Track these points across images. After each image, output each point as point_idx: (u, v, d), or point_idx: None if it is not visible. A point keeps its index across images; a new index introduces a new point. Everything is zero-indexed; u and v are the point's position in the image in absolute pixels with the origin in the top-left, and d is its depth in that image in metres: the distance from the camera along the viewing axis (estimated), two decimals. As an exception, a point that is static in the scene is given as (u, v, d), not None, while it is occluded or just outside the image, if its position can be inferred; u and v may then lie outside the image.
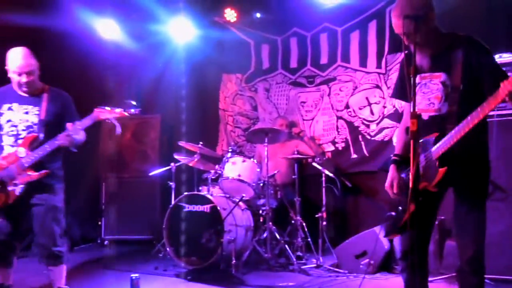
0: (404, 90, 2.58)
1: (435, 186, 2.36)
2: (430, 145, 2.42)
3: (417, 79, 2.53)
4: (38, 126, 3.34)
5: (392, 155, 2.71)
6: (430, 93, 2.50)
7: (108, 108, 3.45)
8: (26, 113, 3.36)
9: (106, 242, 6.32)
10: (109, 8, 6.19)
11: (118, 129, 3.60)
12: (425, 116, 2.50)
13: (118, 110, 3.51)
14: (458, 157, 2.34)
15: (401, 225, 2.52)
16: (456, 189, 2.51)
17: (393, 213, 2.64)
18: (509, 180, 3.80)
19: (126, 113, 3.57)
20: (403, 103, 2.79)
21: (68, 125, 3.31)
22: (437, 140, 2.39)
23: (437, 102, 2.46)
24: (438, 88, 2.46)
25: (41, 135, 3.32)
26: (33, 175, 3.27)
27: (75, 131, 3.32)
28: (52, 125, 3.37)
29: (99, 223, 6.43)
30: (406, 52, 2.44)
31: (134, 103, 3.78)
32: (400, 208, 2.57)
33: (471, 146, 2.38)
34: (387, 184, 2.64)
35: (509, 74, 2.33)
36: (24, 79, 3.30)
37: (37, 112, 3.36)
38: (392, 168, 2.64)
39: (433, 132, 2.41)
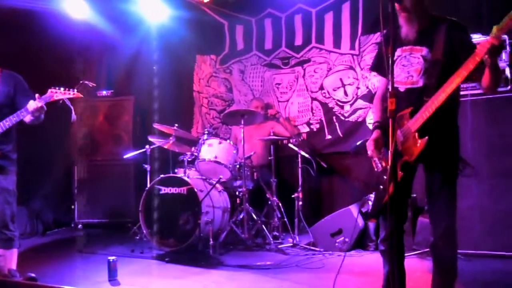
0: (382, 64, 2.64)
1: (416, 158, 2.40)
2: (405, 120, 2.47)
3: (398, 52, 2.60)
4: None
5: (374, 122, 2.75)
6: (410, 66, 2.56)
7: (62, 89, 3.38)
8: None
9: (79, 226, 6.23)
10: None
11: (74, 116, 3.55)
12: (401, 88, 2.57)
13: (72, 91, 3.43)
14: (433, 130, 2.39)
15: (381, 208, 2.56)
16: (428, 165, 2.57)
17: (370, 196, 2.68)
18: (476, 156, 3.94)
19: (80, 94, 3.48)
20: (377, 83, 2.84)
21: (30, 102, 3.26)
22: (412, 114, 2.44)
23: (416, 74, 2.52)
24: (419, 62, 2.52)
25: None
26: None
27: (34, 109, 3.26)
28: (4, 107, 3.34)
29: (72, 207, 6.33)
30: (387, 30, 2.49)
31: (91, 84, 3.68)
32: (381, 187, 2.59)
33: (442, 122, 2.46)
34: (370, 139, 2.65)
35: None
36: None
37: None
38: (376, 131, 2.67)
39: (408, 105, 2.46)
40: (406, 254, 3.97)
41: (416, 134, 2.40)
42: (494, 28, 2.15)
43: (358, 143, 2.84)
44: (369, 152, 2.66)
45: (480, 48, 2.18)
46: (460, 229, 3.72)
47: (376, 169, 2.66)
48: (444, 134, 2.48)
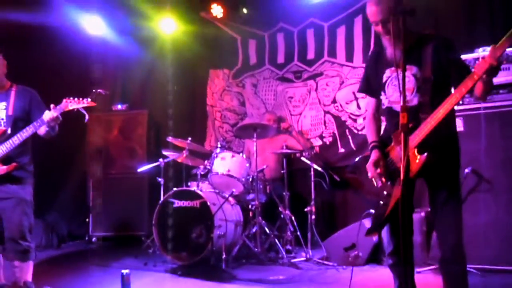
0: (370, 85, 2.75)
1: (415, 174, 2.39)
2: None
3: (387, 73, 2.63)
4: (6, 121, 3.36)
5: (371, 142, 2.73)
6: None
7: (76, 99, 3.43)
8: None
9: (94, 239, 6.28)
10: (95, 4, 6.14)
11: (87, 117, 3.59)
12: (397, 107, 2.58)
13: (86, 100, 3.46)
14: (433, 146, 2.39)
15: (382, 221, 2.55)
16: (430, 180, 2.57)
17: (372, 211, 2.67)
18: (492, 170, 3.89)
19: (94, 103, 3.52)
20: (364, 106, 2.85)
21: (46, 112, 3.30)
22: (411, 130, 2.42)
23: (409, 93, 2.52)
24: (410, 80, 2.52)
25: (9, 130, 3.34)
26: (2, 168, 3.27)
27: (50, 119, 3.29)
28: (19, 120, 3.39)
29: (87, 220, 6.39)
30: (376, 48, 2.52)
31: (104, 92, 3.74)
32: (381, 202, 2.58)
33: (444, 136, 2.46)
34: (370, 163, 2.63)
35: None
36: None
37: (4, 107, 3.38)
38: (375, 152, 2.65)
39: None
40: (421, 269, 3.99)
41: (415, 150, 2.39)
42: (492, 48, 2.18)
43: (356, 159, 2.82)
44: (369, 175, 2.65)
45: (479, 68, 2.22)
46: (476, 244, 3.69)
47: (376, 185, 2.65)
48: (444, 148, 2.48)
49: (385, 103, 2.66)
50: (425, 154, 2.35)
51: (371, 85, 2.77)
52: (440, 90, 2.41)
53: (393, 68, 2.58)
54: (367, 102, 2.93)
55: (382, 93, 2.66)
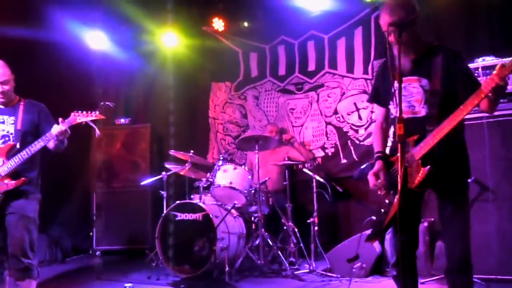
0: (379, 95, 2.77)
1: (418, 185, 2.40)
2: (409, 147, 2.48)
3: (397, 83, 2.62)
4: (14, 135, 3.35)
5: (375, 153, 2.75)
6: (410, 96, 2.58)
7: (84, 112, 3.44)
8: (2, 122, 3.36)
9: (98, 253, 6.28)
10: (98, 20, 6.22)
11: (97, 132, 3.59)
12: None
13: (94, 113, 3.47)
14: (439, 158, 2.41)
15: (382, 228, 2.55)
16: (438, 191, 2.57)
17: (374, 218, 2.68)
18: (497, 181, 3.87)
19: (102, 116, 3.52)
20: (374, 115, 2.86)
21: (54, 127, 3.31)
22: (417, 142, 2.46)
23: (417, 104, 2.55)
24: (418, 92, 2.55)
25: (18, 144, 3.32)
26: (11, 183, 3.25)
27: (59, 133, 3.29)
28: (28, 135, 3.38)
29: (90, 233, 6.39)
30: (386, 58, 2.54)
31: (111, 104, 3.75)
32: (382, 210, 2.60)
33: (451, 147, 2.47)
34: (371, 173, 2.65)
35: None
36: None
37: (12, 122, 3.37)
38: (378, 162, 2.67)
39: (411, 134, 2.47)
40: (424, 280, 3.96)
41: (420, 161, 2.40)
42: (499, 67, 2.18)
43: (363, 166, 2.83)
44: (370, 185, 2.66)
45: (486, 86, 2.22)
46: (479, 254, 3.66)
47: (379, 193, 2.66)
48: (451, 160, 2.48)
49: (393, 112, 2.68)
50: (428, 166, 2.36)
51: (380, 95, 2.79)
52: (448, 102, 2.41)
53: (403, 79, 2.60)
54: (376, 112, 2.95)
55: (391, 103, 2.68)
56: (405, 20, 2.42)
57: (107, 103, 3.66)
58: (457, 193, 2.53)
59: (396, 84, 2.61)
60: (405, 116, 2.55)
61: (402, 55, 2.50)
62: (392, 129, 2.80)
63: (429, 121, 2.45)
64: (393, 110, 2.67)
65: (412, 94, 2.57)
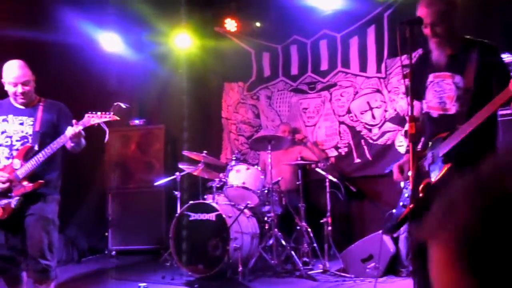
0: (415, 88, 2.67)
1: (438, 181, 2.37)
2: (439, 143, 2.47)
3: (430, 78, 2.61)
4: (32, 137, 3.31)
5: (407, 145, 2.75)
6: (442, 92, 2.55)
7: (99, 113, 3.39)
8: (21, 124, 3.33)
9: (113, 253, 6.35)
10: (111, 22, 6.28)
11: (107, 136, 3.59)
12: (434, 114, 2.58)
13: (108, 114, 3.42)
14: (465, 156, 2.36)
15: (399, 222, 2.55)
16: None
17: (394, 211, 2.68)
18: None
19: (116, 117, 3.47)
20: (404, 106, 2.84)
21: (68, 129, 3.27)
22: (444, 139, 2.45)
23: (449, 101, 2.52)
24: (451, 88, 2.52)
25: (36, 146, 3.29)
26: (28, 186, 3.22)
27: (73, 135, 3.26)
28: (47, 136, 3.34)
29: (106, 234, 6.47)
30: (424, 51, 2.56)
31: (123, 105, 3.72)
32: (401, 203, 2.60)
33: (478, 146, 2.41)
34: (395, 165, 2.65)
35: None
36: (20, 89, 3.28)
37: (31, 123, 3.34)
38: (406, 156, 2.64)
39: (441, 130, 2.46)
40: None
41: (442, 158, 2.39)
42: None
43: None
44: (394, 177, 2.65)
45: None
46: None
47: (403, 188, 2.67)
48: (478, 158, 2.44)
49: (424, 107, 2.65)
50: (449, 164, 2.35)
51: (415, 88, 2.76)
52: (480, 100, 2.37)
53: (436, 73, 2.58)
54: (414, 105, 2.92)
55: (424, 97, 2.65)
56: (442, 13, 2.40)
57: (120, 103, 3.62)
58: None
59: (430, 79, 2.60)
60: (436, 112, 2.56)
61: (438, 49, 2.49)
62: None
63: (459, 119, 2.42)
64: (424, 105, 2.64)
65: (445, 91, 2.54)
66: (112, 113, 3.43)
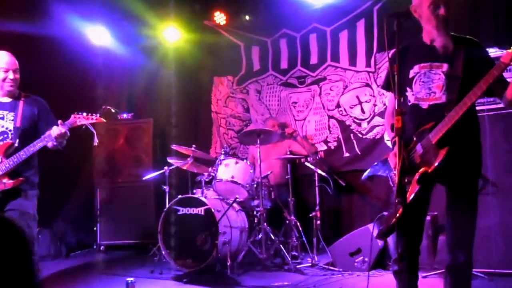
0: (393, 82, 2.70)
1: (436, 169, 2.37)
2: (426, 134, 2.47)
3: (415, 69, 2.61)
4: (13, 133, 3.30)
5: (391, 139, 2.75)
6: (430, 83, 2.56)
7: (85, 114, 3.41)
8: (2, 118, 3.32)
9: (102, 248, 6.31)
10: (99, 15, 6.21)
11: (96, 140, 3.58)
12: (424, 105, 2.57)
13: (94, 116, 3.44)
14: (452, 144, 2.38)
15: (391, 226, 2.53)
16: (448, 183, 2.56)
17: (386, 213, 2.67)
18: (499, 174, 3.85)
19: (103, 119, 3.50)
20: (387, 101, 2.83)
21: (54, 128, 3.27)
22: (433, 128, 2.45)
23: (438, 91, 2.53)
24: (440, 78, 2.53)
25: (16, 142, 3.28)
26: (8, 183, 3.21)
27: (58, 135, 3.26)
28: (27, 132, 3.33)
29: (94, 228, 6.42)
30: (404, 44, 2.57)
31: (113, 110, 3.71)
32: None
33: (462, 137, 2.45)
34: (391, 154, 2.63)
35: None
36: (11, 75, 3.30)
37: (12, 118, 3.33)
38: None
39: (431, 120, 2.46)
40: (427, 274, 3.95)
41: (436, 145, 2.39)
42: None
43: (372, 166, 2.82)
44: (392, 165, 2.64)
45: (505, 57, 2.25)
46: (482, 248, 3.65)
47: (393, 186, 2.64)
48: (464, 150, 2.46)
49: (411, 99, 2.63)
50: (446, 147, 2.35)
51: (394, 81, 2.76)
52: (467, 89, 2.39)
53: (422, 64, 2.59)
54: (388, 98, 2.93)
55: (408, 89, 2.63)
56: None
57: (108, 107, 3.62)
58: (468, 186, 2.53)
59: (416, 70, 2.60)
60: (425, 102, 2.56)
61: (438, 34, 2.49)
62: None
63: (448, 107, 2.43)
64: (411, 97, 2.63)
65: (433, 80, 2.55)
66: (99, 115, 3.45)
